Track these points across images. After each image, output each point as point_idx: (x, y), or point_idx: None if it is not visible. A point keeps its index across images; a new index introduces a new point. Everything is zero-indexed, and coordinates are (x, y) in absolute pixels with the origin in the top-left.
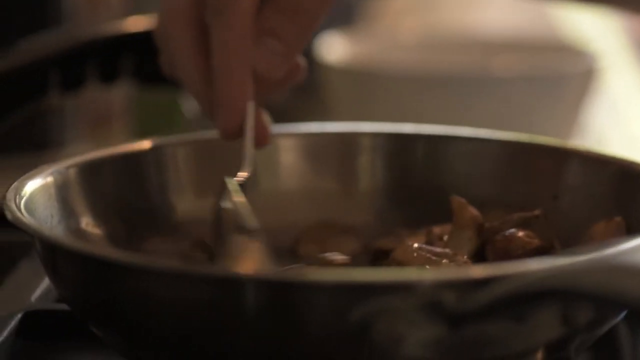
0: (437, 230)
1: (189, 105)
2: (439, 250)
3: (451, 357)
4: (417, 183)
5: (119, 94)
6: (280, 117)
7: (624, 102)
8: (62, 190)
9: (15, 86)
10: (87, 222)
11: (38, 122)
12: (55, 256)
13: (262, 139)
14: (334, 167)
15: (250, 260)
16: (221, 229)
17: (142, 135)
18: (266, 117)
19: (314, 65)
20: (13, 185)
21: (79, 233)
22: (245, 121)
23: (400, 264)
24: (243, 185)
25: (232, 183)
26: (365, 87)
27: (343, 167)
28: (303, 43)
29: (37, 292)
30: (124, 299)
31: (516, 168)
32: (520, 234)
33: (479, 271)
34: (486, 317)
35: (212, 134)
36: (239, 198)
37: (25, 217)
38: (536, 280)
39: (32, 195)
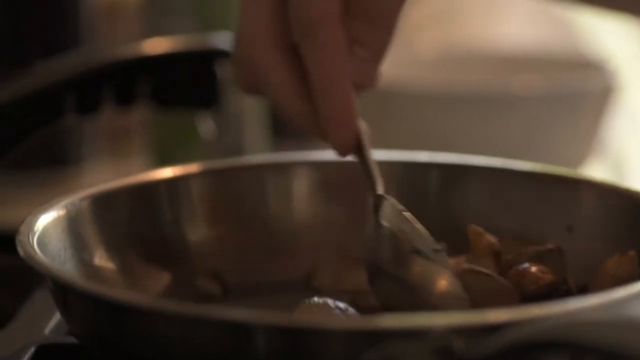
0: (451, 262)
1: (206, 127)
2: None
3: None
4: (431, 213)
5: (136, 116)
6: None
7: None
8: (74, 223)
9: (31, 108)
10: (100, 256)
11: (56, 139)
12: (66, 295)
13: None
14: (347, 197)
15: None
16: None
17: (159, 156)
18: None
19: None
20: (27, 219)
21: (91, 268)
22: (360, 135)
23: None
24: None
25: (394, 202)
26: (381, 105)
27: (357, 196)
28: (387, 46)
29: (51, 324)
30: (134, 340)
31: (530, 199)
32: (534, 268)
33: (489, 317)
34: None
35: (226, 162)
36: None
37: (38, 254)
38: (544, 330)
39: (45, 229)
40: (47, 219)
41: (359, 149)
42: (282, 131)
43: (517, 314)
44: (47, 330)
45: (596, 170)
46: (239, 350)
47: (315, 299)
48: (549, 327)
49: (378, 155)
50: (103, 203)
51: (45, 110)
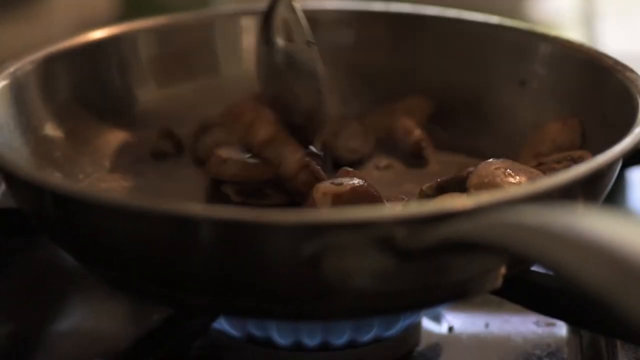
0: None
1: None
2: None
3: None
4: (383, 64)
5: None
6: None
7: None
8: (19, 92)
9: None
10: (48, 124)
11: None
12: (11, 181)
13: None
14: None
15: None
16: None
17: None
18: None
19: None
20: None
21: (39, 137)
22: None
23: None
24: None
25: None
26: None
27: None
28: None
29: (2, 189)
30: (76, 230)
31: (485, 51)
32: None
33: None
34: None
35: (173, 18)
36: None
37: None
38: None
39: None
40: None
41: None
42: None
43: (457, 205)
44: None
45: None
46: (179, 245)
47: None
48: (482, 226)
49: (331, 4)
50: (47, 68)
51: None
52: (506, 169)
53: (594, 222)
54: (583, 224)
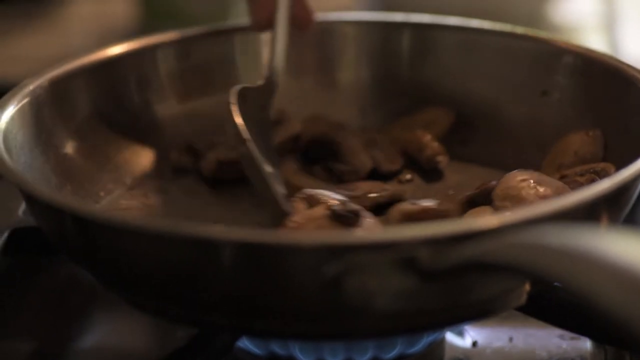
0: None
1: None
2: None
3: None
4: (403, 75)
5: None
6: None
7: None
8: (38, 112)
9: None
10: (68, 144)
11: None
12: (32, 205)
13: (304, 23)
14: (316, 59)
15: None
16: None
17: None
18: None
19: None
20: None
21: (60, 158)
22: (278, 10)
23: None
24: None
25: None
26: None
27: (326, 59)
28: None
29: (25, 205)
30: (97, 251)
31: (507, 61)
32: None
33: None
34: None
35: (191, 31)
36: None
37: (6, 161)
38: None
39: (9, 124)
40: (10, 113)
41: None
42: None
43: (480, 225)
44: (20, 212)
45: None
46: (201, 267)
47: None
48: (505, 246)
49: (352, 15)
50: (66, 86)
51: None
52: (532, 181)
53: (617, 245)
54: (607, 246)
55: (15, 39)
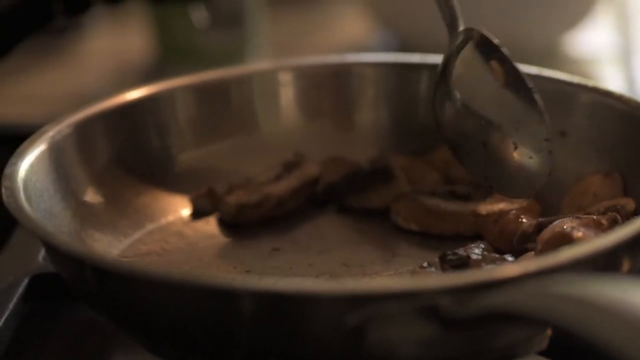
0: None
1: (199, 16)
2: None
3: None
4: (424, 116)
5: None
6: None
7: None
8: (58, 158)
9: (20, 15)
10: (87, 190)
11: None
12: (52, 253)
13: None
14: (334, 101)
15: None
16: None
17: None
18: None
19: None
20: (10, 160)
21: (80, 204)
22: None
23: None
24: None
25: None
26: None
27: (344, 101)
28: None
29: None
30: (116, 300)
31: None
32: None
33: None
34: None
35: (210, 75)
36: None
37: (26, 210)
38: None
39: (29, 171)
40: (29, 161)
41: None
42: None
43: (503, 273)
44: (40, 258)
45: (603, 18)
46: (221, 317)
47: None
48: (528, 297)
49: (370, 58)
50: (85, 131)
51: (34, 15)
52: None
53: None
54: (628, 297)
55: (31, 77)
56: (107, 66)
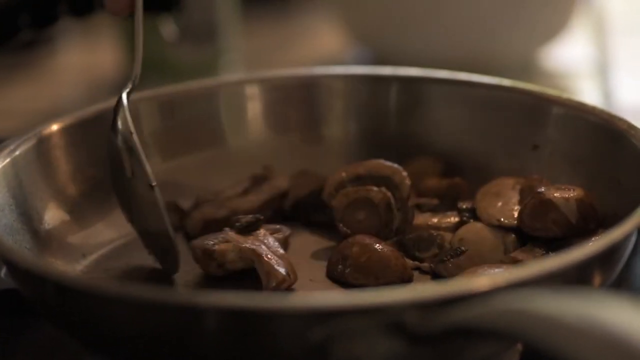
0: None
1: (168, 30)
2: None
3: None
4: (393, 131)
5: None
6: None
7: None
8: (19, 175)
9: None
10: (49, 205)
11: None
12: (13, 271)
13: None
14: (302, 113)
15: None
16: None
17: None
18: None
19: None
20: None
21: (42, 219)
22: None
23: None
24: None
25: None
26: None
27: (313, 113)
28: None
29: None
30: (77, 316)
31: (496, 114)
32: None
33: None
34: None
35: (174, 88)
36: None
37: None
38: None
39: None
40: None
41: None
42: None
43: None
44: (2, 274)
45: (579, 32)
46: (184, 334)
47: None
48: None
49: (339, 70)
50: (46, 145)
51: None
52: None
53: (608, 311)
54: (597, 313)
55: (2, 91)
56: (78, 80)
